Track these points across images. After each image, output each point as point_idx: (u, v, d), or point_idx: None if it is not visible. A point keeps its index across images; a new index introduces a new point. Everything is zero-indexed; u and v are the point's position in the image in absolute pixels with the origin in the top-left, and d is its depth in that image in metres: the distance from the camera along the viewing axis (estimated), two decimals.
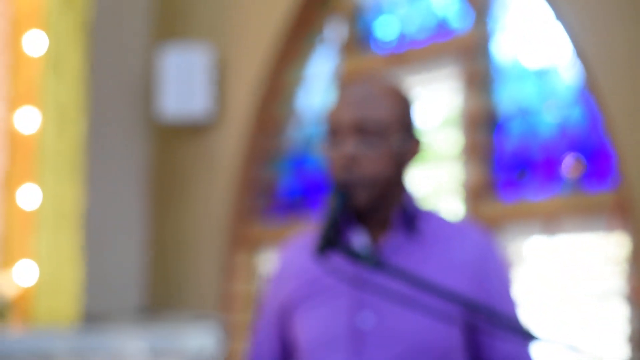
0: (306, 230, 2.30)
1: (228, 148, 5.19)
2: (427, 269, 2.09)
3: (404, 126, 2.14)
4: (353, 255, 1.91)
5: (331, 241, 1.92)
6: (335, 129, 2.13)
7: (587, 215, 3.72)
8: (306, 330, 2.17)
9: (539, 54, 3.99)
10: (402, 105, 2.16)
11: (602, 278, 3.60)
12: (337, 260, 2.00)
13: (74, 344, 4.52)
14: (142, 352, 4.77)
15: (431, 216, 2.20)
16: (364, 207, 2.11)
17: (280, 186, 5.10)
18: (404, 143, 2.14)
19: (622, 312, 3.60)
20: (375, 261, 1.90)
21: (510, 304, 2.16)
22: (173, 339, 4.84)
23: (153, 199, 5.74)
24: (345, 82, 4.69)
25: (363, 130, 2.09)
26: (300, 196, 4.99)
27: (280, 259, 2.32)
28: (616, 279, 3.57)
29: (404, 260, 2.10)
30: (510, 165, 4.06)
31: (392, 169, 2.12)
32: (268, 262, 4.85)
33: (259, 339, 2.33)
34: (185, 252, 5.46)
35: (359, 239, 2.14)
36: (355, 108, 2.11)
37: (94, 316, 4.89)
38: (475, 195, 4.10)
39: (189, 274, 5.42)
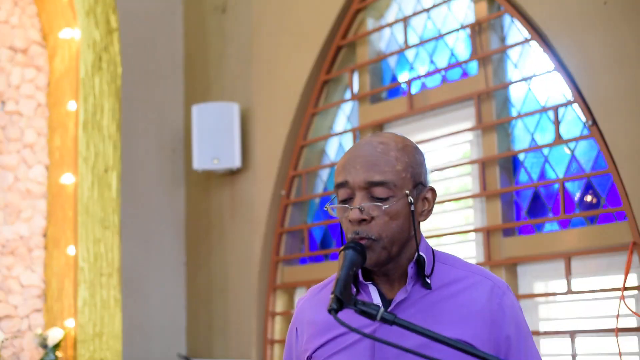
0: (325, 282, 2.30)
1: (259, 196, 5.33)
2: (441, 322, 2.07)
3: (414, 181, 2.10)
4: (364, 314, 1.88)
5: (342, 300, 1.88)
6: (345, 189, 2.09)
7: (605, 252, 3.75)
8: None
9: (547, 94, 4.07)
10: (412, 160, 2.11)
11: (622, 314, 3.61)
12: (352, 315, 1.95)
13: None
14: None
15: (444, 266, 2.17)
16: (376, 265, 2.09)
17: (313, 231, 5.21)
18: (416, 198, 2.10)
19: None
20: (387, 318, 1.86)
21: (528, 351, 2.14)
22: None
23: (190, 248, 5.88)
24: (365, 132, 4.81)
25: (373, 191, 2.06)
26: (332, 240, 5.08)
27: (297, 311, 2.31)
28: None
29: (418, 314, 2.08)
30: (527, 204, 4.12)
31: (405, 226, 2.09)
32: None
33: None
34: (223, 298, 5.57)
35: (373, 295, 2.13)
36: (364, 170, 2.07)
37: None
38: (494, 235, 4.15)
39: (229, 320, 5.52)
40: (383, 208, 2.05)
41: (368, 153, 2.09)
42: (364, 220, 2.05)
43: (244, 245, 5.42)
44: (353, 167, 2.08)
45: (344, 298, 1.88)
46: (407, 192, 2.07)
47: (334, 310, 1.86)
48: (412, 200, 2.08)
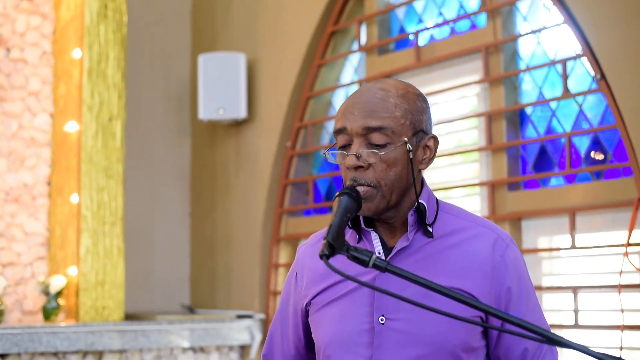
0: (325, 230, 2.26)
1: (264, 147, 5.31)
2: (442, 272, 2.04)
3: (414, 128, 2.05)
4: (357, 260, 1.82)
5: (334, 246, 1.83)
6: (343, 135, 2.05)
7: (610, 208, 3.72)
8: (321, 330, 2.14)
9: (556, 48, 4.02)
10: (412, 107, 2.05)
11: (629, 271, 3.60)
12: (351, 263, 1.90)
13: (119, 341, 4.64)
14: (186, 350, 4.88)
15: (447, 216, 2.13)
16: (375, 214, 2.05)
17: (317, 182, 5.19)
18: (416, 145, 2.05)
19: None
20: (380, 265, 1.80)
21: (529, 305, 2.11)
22: (216, 337, 4.93)
23: (195, 199, 5.87)
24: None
25: (370, 137, 2.02)
26: (337, 191, 5.04)
27: (298, 256, 2.30)
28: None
29: (418, 263, 2.05)
30: (533, 159, 4.09)
31: (403, 173, 2.03)
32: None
33: (275, 336, 2.34)
34: (227, 249, 5.57)
35: (375, 242, 2.10)
36: (362, 116, 2.02)
37: (138, 316, 5.02)
38: (499, 189, 4.13)
39: (233, 272, 5.53)
40: (380, 155, 2.01)
41: (367, 99, 2.04)
42: (360, 167, 2.01)
43: (249, 196, 5.41)
44: (351, 113, 2.04)
45: (336, 244, 1.83)
46: (405, 139, 2.02)
47: (325, 256, 1.81)
48: (411, 148, 2.02)
